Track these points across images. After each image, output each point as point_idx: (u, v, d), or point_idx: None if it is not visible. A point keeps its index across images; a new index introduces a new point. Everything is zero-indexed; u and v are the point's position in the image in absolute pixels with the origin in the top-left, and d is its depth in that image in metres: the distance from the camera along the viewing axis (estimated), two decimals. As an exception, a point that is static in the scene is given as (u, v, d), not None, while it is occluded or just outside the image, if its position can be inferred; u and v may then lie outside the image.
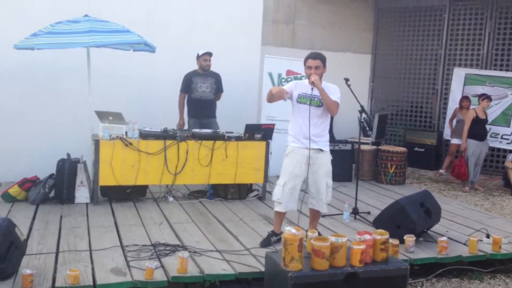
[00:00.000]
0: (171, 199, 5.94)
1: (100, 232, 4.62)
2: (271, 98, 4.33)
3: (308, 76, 4.27)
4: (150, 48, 6.27)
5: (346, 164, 7.63)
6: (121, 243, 4.33)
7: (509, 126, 9.03)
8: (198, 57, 6.68)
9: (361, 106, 5.30)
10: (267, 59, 7.81)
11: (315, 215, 4.60)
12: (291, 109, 4.44)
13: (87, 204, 5.57)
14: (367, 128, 9.69)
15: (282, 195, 4.35)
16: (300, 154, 4.33)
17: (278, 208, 4.42)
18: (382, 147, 8.12)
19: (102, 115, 5.80)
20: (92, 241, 4.36)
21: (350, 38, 10.78)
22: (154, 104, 7.18)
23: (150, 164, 5.66)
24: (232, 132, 6.24)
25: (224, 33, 7.49)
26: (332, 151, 7.10)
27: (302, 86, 4.39)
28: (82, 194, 5.62)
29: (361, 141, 7.25)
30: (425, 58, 10.49)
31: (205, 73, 6.73)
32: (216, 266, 3.87)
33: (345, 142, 7.81)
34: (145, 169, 5.65)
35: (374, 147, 8.19)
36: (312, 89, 4.27)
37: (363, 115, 5.42)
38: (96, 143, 5.52)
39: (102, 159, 5.50)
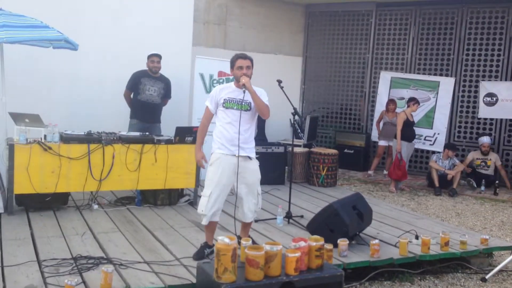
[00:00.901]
0: (95, 206, 5.58)
1: (14, 245, 4.20)
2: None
3: (238, 78, 4.09)
4: (72, 46, 5.85)
5: (279, 167, 7.59)
6: (37, 257, 3.96)
7: (431, 128, 9.47)
8: (147, 58, 6.52)
9: (294, 109, 5.25)
10: (198, 60, 7.62)
11: (246, 223, 4.44)
12: (217, 114, 4.23)
13: (0, 214, 5.09)
14: (299, 130, 9.75)
15: (207, 206, 4.09)
16: (228, 162, 4.10)
17: (203, 221, 4.18)
18: (314, 150, 8.17)
19: (18, 117, 5.32)
20: (5, 256, 3.94)
21: (281, 40, 10.82)
22: (79, 105, 6.76)
23: (72, 169, 5.29)
24: (162, 135, 5.99)
25: (154, 33, 7.23)
26: (265, 154, 7.17)
27: (228, 90, 4.17)
28: (-6, 203, 5.13)
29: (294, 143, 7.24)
30: (354, 61, 10.76)
31: (155, 75, 6.53)
32: (144, 279, 3.62)
33: (278, 144, 7.76)
34: (67, 175, 5.28)
35: (306, 149, 8.23)
36: (244, 91, 4.08)
37: (296, 117, 5.38)
38: (11, 147, 5.07)
39: (18, 165, 5.06)
